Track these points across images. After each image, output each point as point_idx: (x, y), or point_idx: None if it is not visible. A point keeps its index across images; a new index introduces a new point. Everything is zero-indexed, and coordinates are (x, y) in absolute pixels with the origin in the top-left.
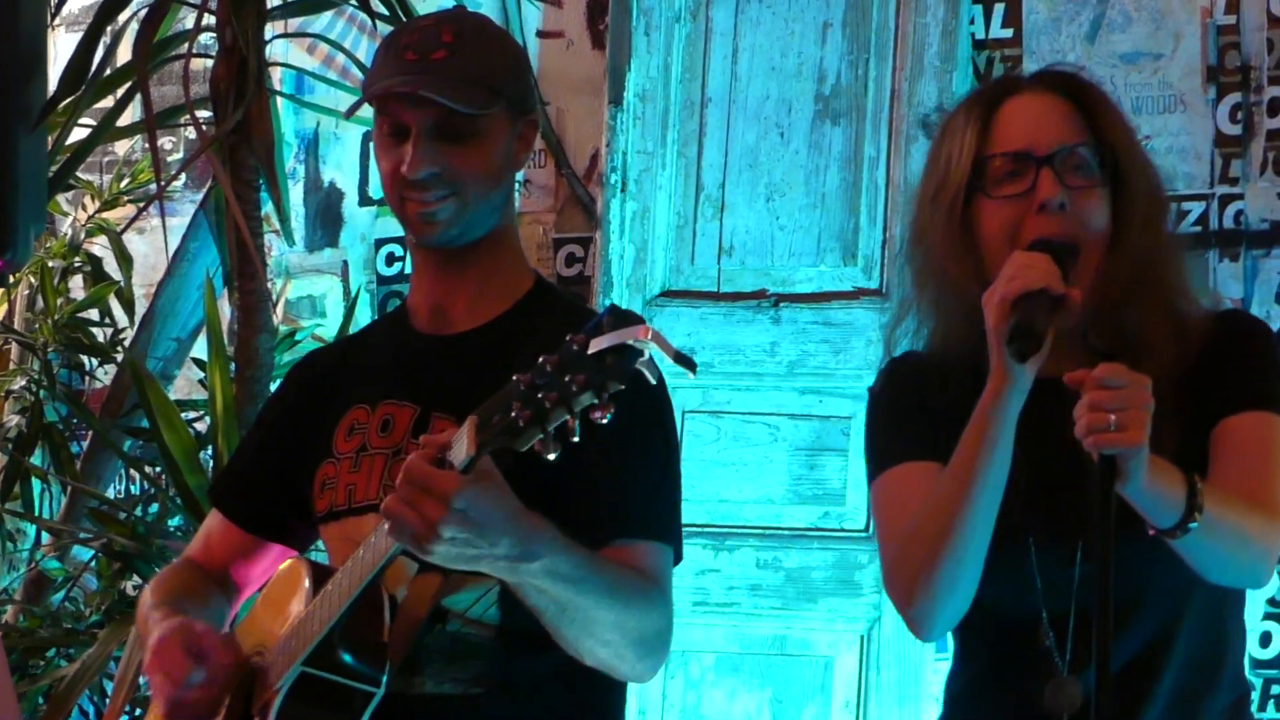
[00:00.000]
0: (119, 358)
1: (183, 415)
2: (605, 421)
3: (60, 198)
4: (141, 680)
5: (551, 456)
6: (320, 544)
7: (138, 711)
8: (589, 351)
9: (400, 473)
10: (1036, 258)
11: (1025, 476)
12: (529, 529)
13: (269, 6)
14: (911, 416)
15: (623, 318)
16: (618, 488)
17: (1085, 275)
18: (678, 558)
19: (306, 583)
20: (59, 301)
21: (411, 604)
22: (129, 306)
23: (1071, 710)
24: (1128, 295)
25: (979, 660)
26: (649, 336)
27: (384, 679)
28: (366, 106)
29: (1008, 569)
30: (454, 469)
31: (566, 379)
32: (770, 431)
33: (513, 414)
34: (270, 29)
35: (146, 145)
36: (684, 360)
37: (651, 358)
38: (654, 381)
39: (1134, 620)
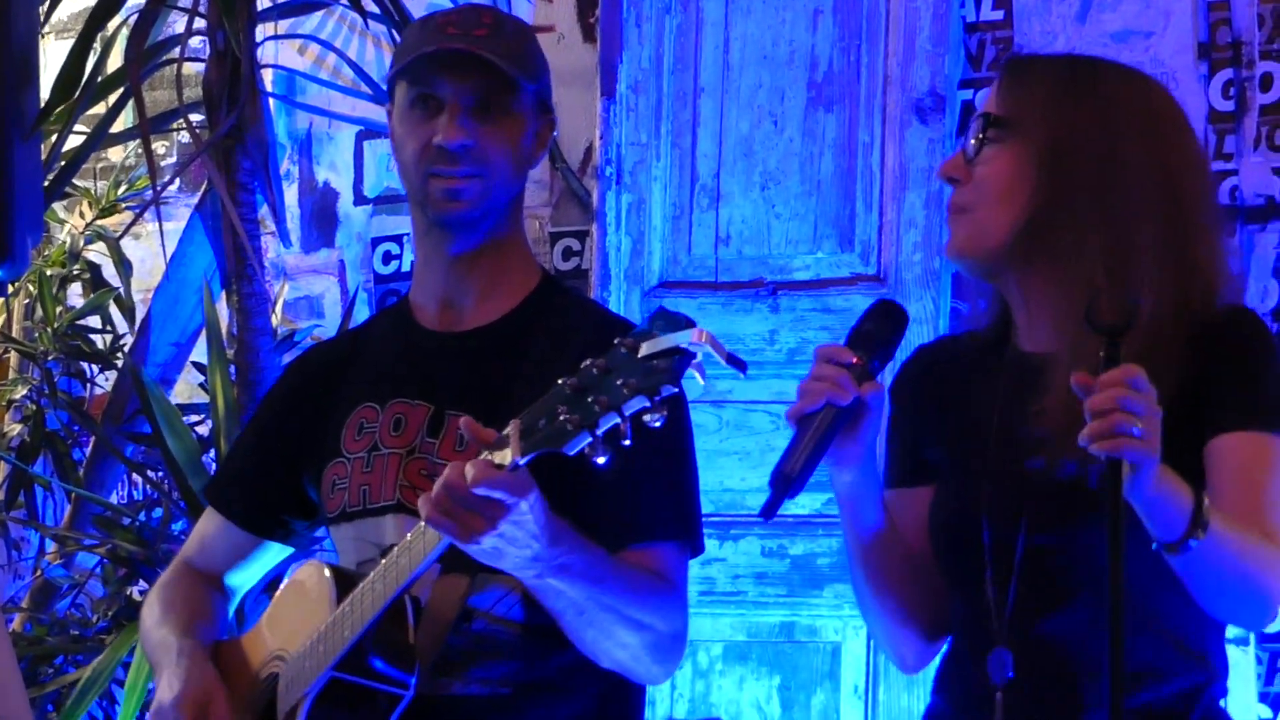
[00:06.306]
0: (119, 364)
1: (185, 419)
2: (658, 425)
3: (56, 205)
4: (152, 686)
5: (601, 461)
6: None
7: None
8: (639, 355)
9: (463, 474)
10: (826, 368)
11: (994, 445)
12: (556, 530)
13: (260, 9)
14: (900, 432)
15: (673, 320)
16: (629, 493)
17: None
18: (698, 550)
19: (330, 587)
20: (58, 310)
21: (438, 606)
22: (129, 313)
23: (1001, 681)
24: (1146, 279)
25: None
26: (704, 339)
27: (412, 681)
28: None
29: (962, 535)
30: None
31: (618, 383)
32: (772, 420)
33: (560, 418)
34: (261, 31)
35: (140, 151)
36: (736, 361)
37: (701, 361)
38: (703, 384)
39: (1079, 598)
